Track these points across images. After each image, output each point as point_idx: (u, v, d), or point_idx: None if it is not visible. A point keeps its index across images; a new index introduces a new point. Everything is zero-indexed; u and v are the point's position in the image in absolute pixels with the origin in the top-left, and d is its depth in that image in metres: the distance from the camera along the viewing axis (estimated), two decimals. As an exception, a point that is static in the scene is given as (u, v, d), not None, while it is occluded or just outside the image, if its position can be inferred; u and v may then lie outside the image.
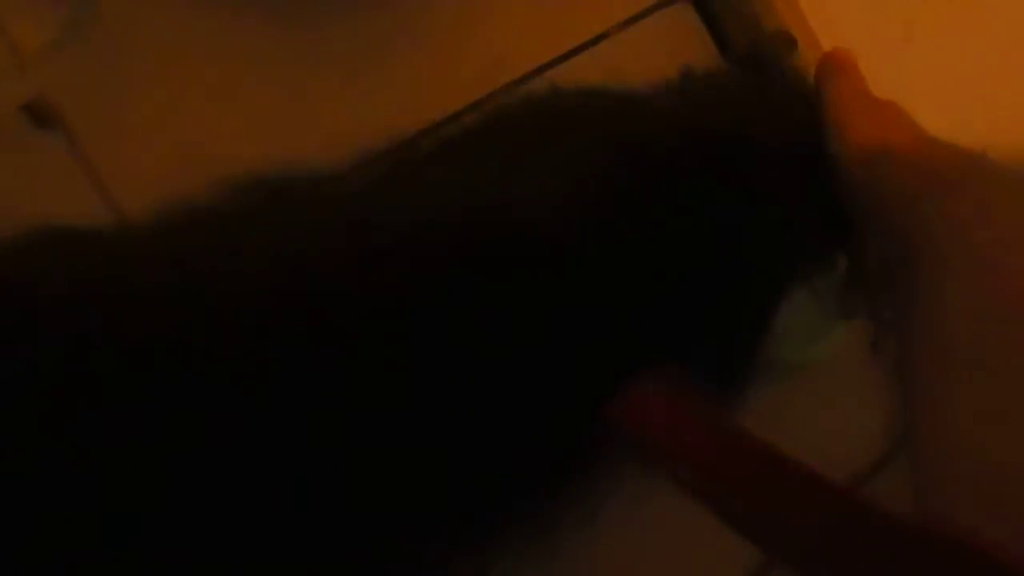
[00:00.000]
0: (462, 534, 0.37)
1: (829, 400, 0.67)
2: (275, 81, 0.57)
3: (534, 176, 0.40)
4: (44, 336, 0.30)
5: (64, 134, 0.54)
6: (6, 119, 0.53)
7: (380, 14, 0.59)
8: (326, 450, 0.33)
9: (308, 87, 0.57)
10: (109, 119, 0.54)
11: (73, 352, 0.30)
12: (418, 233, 0.37)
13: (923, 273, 0.37)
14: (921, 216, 0.38)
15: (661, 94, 0.48)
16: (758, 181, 0.42)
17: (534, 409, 0.36)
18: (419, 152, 0.46)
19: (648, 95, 0.48)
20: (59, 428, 0.29)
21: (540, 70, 0.62)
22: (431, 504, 0.36)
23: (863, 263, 0.49)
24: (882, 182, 0.42)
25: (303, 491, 0.32)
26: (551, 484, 0.39)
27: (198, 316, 0.33)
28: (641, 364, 0.37)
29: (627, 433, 0.37)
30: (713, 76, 0.50)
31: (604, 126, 0.44)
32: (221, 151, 0.54)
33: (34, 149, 0.53)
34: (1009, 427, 0.32)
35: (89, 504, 0.29)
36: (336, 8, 0.58)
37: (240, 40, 0.57)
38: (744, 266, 0.42)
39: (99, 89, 0.54)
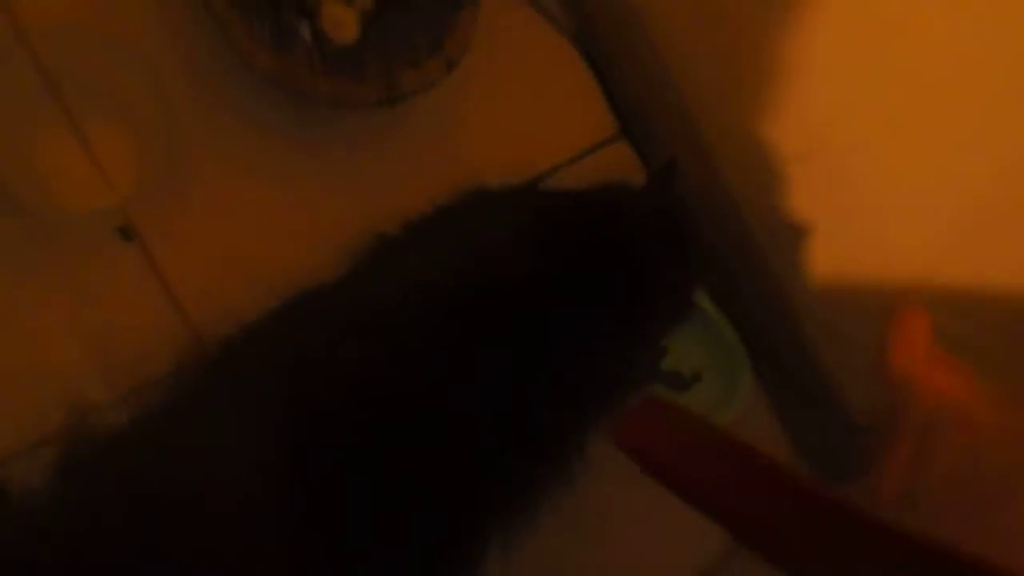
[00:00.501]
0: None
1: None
2: (301, 203, 0.72)
3: (486, 239, 0.58)
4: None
5: (140, 246, 0.67)
6: (90, 233, 0.66)
7: (376, 151, 0.75)
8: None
9: (324, 206, 0.72)
10: (176, 234, 0.67)
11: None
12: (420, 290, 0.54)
13: None
14: None
15: (571, 191, 0.67)
16: (635, 240, 0.62)
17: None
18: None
19: (558, 189, 0.67)
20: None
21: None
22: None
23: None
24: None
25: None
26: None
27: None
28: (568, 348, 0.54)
29: (634, 453, 0.45)
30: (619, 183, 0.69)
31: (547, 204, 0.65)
32: (263, 257, 0.68)
33: (117, 258, 0.66)
34: None
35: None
36: (340, 144, 0.74)
37: (276, 166, 0.72)
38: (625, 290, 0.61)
39: (169, 210, 0.68)
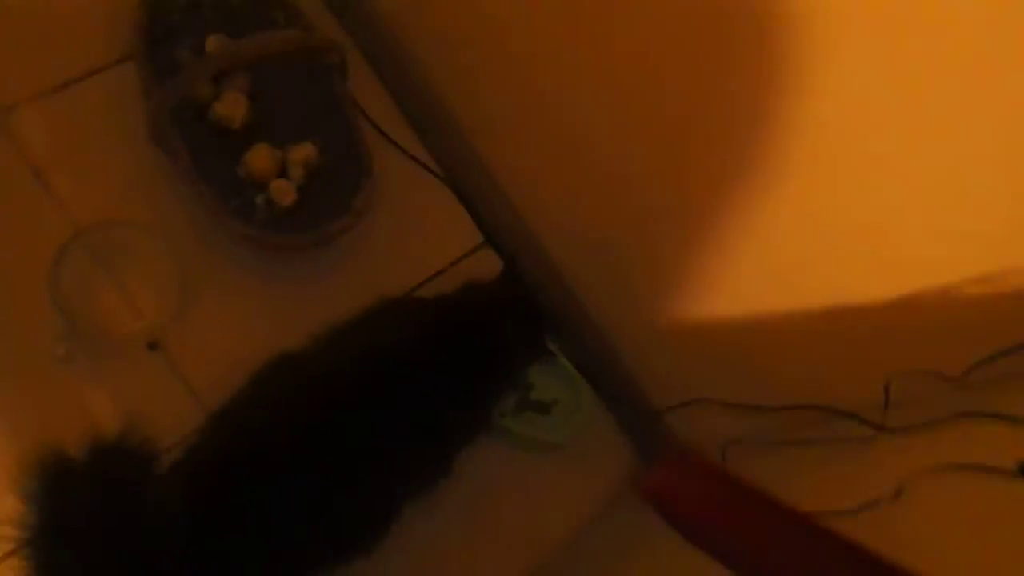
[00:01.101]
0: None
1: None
2: (268, 312, 1.07)
3: (393, 332, 0.94)
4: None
5: (164, 354, 1.01)
6: (129, 347, 1.00)
7: (314, 276, 1.11)
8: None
9: (283, 313, 1.06)
10: (193, 343, 1.02)
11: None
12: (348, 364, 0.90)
13: None
14: None
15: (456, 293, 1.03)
16: (498, 325, 0.98)
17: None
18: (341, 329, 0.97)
19: (447, 294, 1.03)
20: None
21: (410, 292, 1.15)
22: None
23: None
24: None
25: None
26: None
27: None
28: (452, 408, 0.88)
29: (662, 508, 0.55)
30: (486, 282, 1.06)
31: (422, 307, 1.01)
32: (246, 349, 1.02)
33: (150, 365, 1.00)
34: None
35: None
36: (290, 272, 1.10)
37: (250, 290, 1.07)
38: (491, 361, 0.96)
39: (182, 327, 1.02)
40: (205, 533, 0.77)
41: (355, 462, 0.86)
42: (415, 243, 1.18)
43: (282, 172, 1.10)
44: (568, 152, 1.06)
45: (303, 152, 1.10)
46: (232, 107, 1.08)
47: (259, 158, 1.07)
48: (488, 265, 1.21)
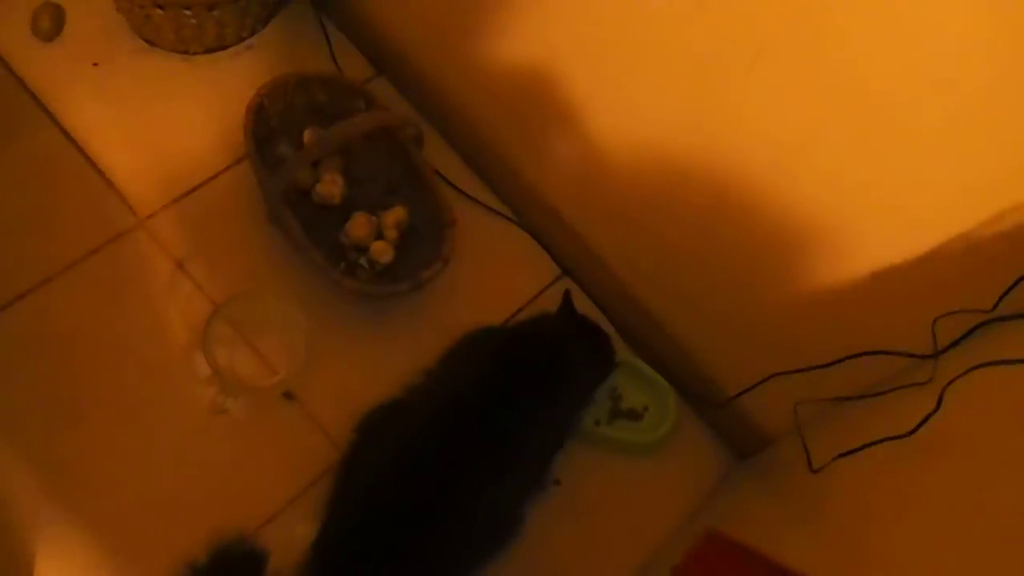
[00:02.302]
0: None
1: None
2: (377, 353, 1.22)
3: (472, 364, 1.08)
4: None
5: (299, 402, 1.18)
6: (269, 398, 1.17)
7: (411, 318, 1.26)
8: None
9: (388, 353, 1.21)
10: (321, 389, 1.18)
11: None
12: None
13: None
14: None
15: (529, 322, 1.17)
16: (564, 346, 1.11)
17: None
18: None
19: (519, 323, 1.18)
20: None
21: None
22: None
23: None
24: None
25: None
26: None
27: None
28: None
29: None
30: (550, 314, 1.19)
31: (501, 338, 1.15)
32: (365, 388, 1.17)
33: (288, 413, 1.17)
34: None
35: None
36: (391, 316, 1.25)
37: (360, 336, 1.23)
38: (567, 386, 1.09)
39: (311, 378, 1.18)
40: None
41: (472, 484, 1.00)
42: (499, 282, 1.33)
43: (378, 235, 1.27)
44: (613, 176, 1.20)
45: (395, 216, 1.27)
46: (330, 186, 1.26)
47: (358, 226, 1.25)
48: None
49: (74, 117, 1.27)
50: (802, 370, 1.02)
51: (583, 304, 1.34)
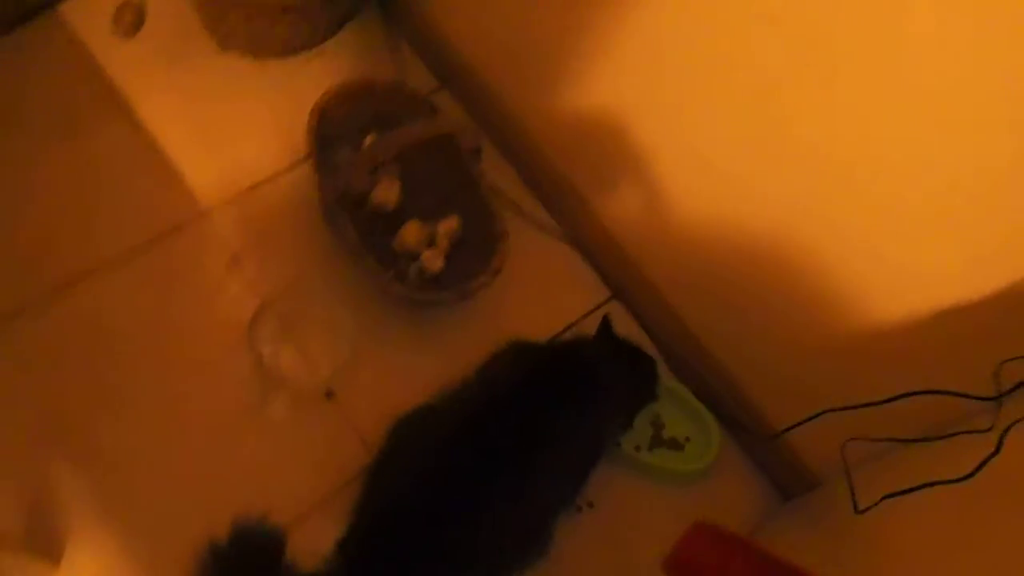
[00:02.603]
0: None
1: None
2: (422, 362, 1.22)
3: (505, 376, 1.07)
4: None
5: (338, 401, 1.18)
6: (310, 396, 1.17)
7: (458, 327, 1.25)
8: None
9: (433, 360, 1.21)
10: (361, 390, 1.18)
11: None
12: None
13: None
14: None
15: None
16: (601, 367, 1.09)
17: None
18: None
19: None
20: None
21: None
22: None
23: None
24: None
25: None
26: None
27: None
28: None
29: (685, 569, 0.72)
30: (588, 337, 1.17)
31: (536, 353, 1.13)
32: (403, 394, 1.16)
33: (326, 412, 1.17)
34: None
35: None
36: (438, 324, 1.25)
37: (405, 343, 1.23)
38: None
39: (352, 378, 1.19)
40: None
41: (496, 495, 0.98)
42: (547, 299, 1.32)
43: (430, 243, 1.27)
44: (675, 204, 1.18)
45: (448, 225, 1.27)
46: (386, 192, 1.27)
47: (411, 233, 1.25)
48: (614, 316, 1.32)
49: (147, 111, 1.31)
50: (856, 407, 0.98)
51: (630, 329, 1.32)
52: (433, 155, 1.32)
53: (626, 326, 1.31)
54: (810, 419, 1.07)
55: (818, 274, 1.03)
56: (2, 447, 1.07)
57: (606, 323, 1.16)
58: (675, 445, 1.24)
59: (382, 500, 1.01)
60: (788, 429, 1.13)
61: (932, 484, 0.78)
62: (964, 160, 0.81)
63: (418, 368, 1.21)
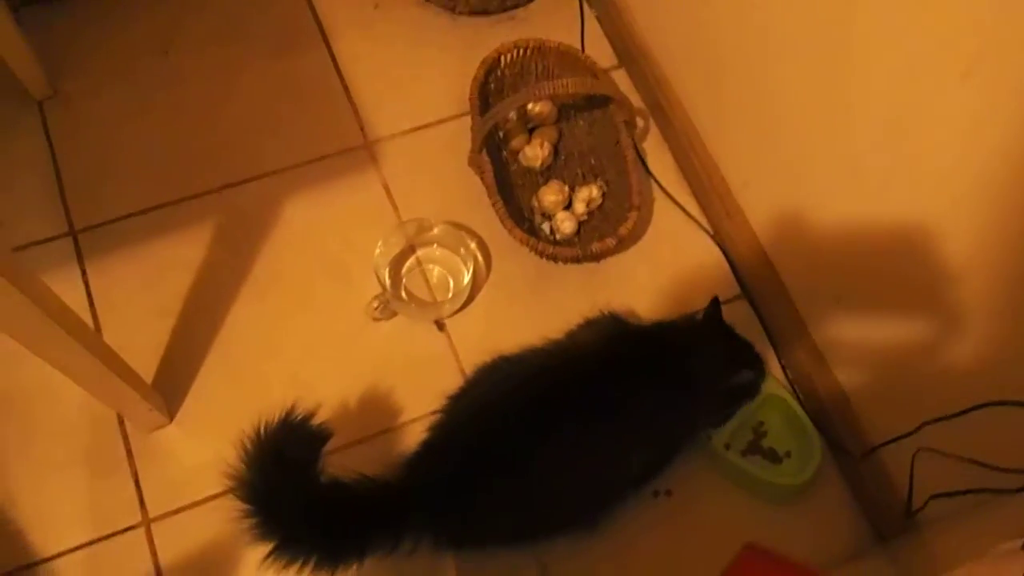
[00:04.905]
0: None
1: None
2: (537, 312, 1.24)
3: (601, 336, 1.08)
4: None
5: (446, 335, 1.23)
6: (423, 322, 1.23)
7: (578, 285, 1.26)
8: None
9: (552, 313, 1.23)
10: (469, 329, 1.22)
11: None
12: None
13: None
14: None
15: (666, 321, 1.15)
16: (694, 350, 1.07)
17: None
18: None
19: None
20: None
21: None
22: None
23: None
24: None
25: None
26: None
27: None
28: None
29: None
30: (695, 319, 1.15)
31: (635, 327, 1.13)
32: (505, 333, 1.19)
33: (434, 339, 1.22)
34: None
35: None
36: (557, 278, 1.26)
37: (524, 294, 1.26)
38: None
39: (462, 316, 1.23)
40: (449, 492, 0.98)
41: (557, 448, 1.00)
42: (676, 284, 1.30)
43: (567, 206, 1.30)
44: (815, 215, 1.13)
45: (588, 192, 1.29)
46: (536, 149, 1.31)
47: (550, 192, 1.29)
48: (739, 315, 1.28)
49: (344, 45, 1.44)
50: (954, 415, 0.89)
51: (755, 335, 1.27)
52: (591, 127, 1.35)
53: (749, 327, 1.27)
54: (909, 435, 0.98)
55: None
56: (155, 307, 1.21)
57: (715, 305, 1.13)
58: (773, 457, 1.18)
59: (447, 430, 1.05)
60: (885, 444, 1.05)
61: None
62: None
63: (530, 319, 1.23)
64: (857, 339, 1.12)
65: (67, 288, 1.20)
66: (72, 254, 1.24)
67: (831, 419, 1.17)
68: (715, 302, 1.13)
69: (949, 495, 0.94)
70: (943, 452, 0.96)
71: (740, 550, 0.88)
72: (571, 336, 1.13)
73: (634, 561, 1.12)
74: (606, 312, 1.15)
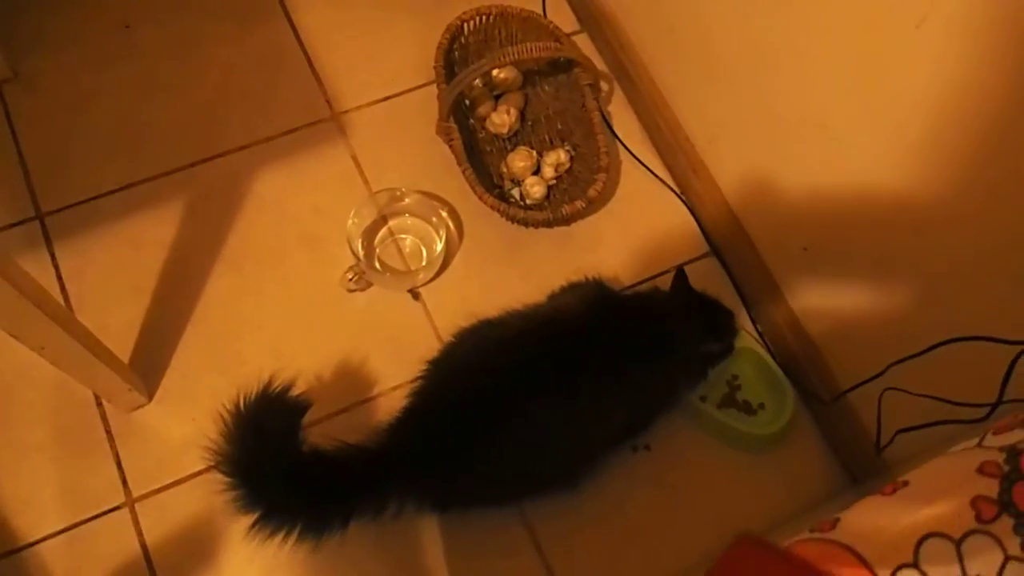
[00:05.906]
0: None
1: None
2: (513, 275, 1.25)
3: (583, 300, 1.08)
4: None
5: (421, 304, 1.24)
6: (397, 291, 1.24)
7: (548, 250, 1.28)
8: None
9: (521, 278, 1.24)
10: (444, 296, 1.23)
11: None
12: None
13: None
14: None
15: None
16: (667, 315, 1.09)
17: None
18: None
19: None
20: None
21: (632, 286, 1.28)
22: None
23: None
24: None
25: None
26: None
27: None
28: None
29: None
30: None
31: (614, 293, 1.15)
32: (482, 299, 1.20)
33: (409, 308, 1.23)
34: None
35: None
36: (531, 238, 1.28)
37: (494, 267, 1.27)
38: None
39: (437, 284, 1.24)
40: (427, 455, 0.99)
41: (537, 409, 1.00)
42: (645, 243, 1.32)
43: (536, 171, 1.31)
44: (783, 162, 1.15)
45: (555, 157, 1.30)
46: (503, 116, 1.32)
47: (519, 158, 1.29)
48: (708, 272, 1.30)
49: (306, 16, 1.43)
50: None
51: (725, 290, 1.29)
52: (557, 92, 1.36)
53: (718, 283, 1.29)
54: (876, 377, 1.02)
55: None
56: (128, 286, 1.21)
57: (681, 275, 1.14)
58: (747, 408, 1.21)
59: (429, 394, 1.06)
60: (854, 388, 1.08)
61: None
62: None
63: (504, 284, 1.24)
64: (824, 288, 1.15)
65: (36, 272, 1.16)
66: (40, 238, 1.22)
67: (802, 367, 1.20)
68: (680, 274, 1.14)
69: (915, 428, 0.97)
70: (909, 391, 0.99)
71: (733, 540, 0.88)
72: (553, 299, 1.15)
73: (619, 520, 1.14)
74: (590, 277, 1.16)
